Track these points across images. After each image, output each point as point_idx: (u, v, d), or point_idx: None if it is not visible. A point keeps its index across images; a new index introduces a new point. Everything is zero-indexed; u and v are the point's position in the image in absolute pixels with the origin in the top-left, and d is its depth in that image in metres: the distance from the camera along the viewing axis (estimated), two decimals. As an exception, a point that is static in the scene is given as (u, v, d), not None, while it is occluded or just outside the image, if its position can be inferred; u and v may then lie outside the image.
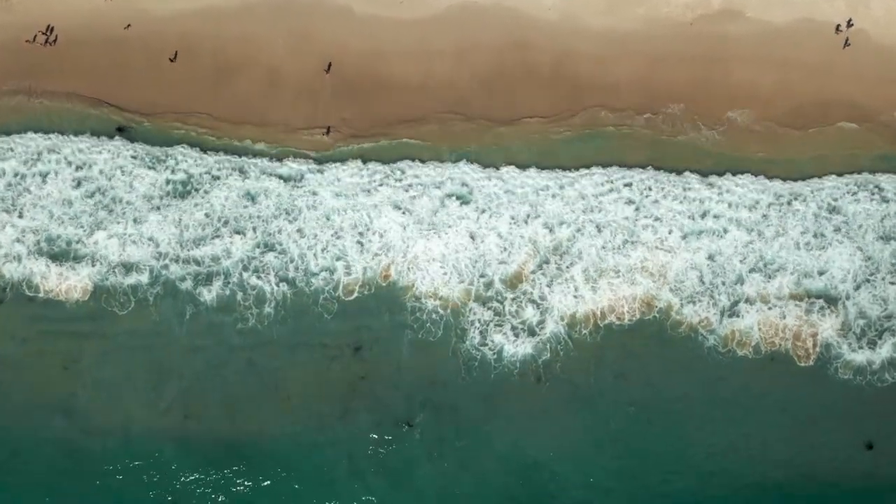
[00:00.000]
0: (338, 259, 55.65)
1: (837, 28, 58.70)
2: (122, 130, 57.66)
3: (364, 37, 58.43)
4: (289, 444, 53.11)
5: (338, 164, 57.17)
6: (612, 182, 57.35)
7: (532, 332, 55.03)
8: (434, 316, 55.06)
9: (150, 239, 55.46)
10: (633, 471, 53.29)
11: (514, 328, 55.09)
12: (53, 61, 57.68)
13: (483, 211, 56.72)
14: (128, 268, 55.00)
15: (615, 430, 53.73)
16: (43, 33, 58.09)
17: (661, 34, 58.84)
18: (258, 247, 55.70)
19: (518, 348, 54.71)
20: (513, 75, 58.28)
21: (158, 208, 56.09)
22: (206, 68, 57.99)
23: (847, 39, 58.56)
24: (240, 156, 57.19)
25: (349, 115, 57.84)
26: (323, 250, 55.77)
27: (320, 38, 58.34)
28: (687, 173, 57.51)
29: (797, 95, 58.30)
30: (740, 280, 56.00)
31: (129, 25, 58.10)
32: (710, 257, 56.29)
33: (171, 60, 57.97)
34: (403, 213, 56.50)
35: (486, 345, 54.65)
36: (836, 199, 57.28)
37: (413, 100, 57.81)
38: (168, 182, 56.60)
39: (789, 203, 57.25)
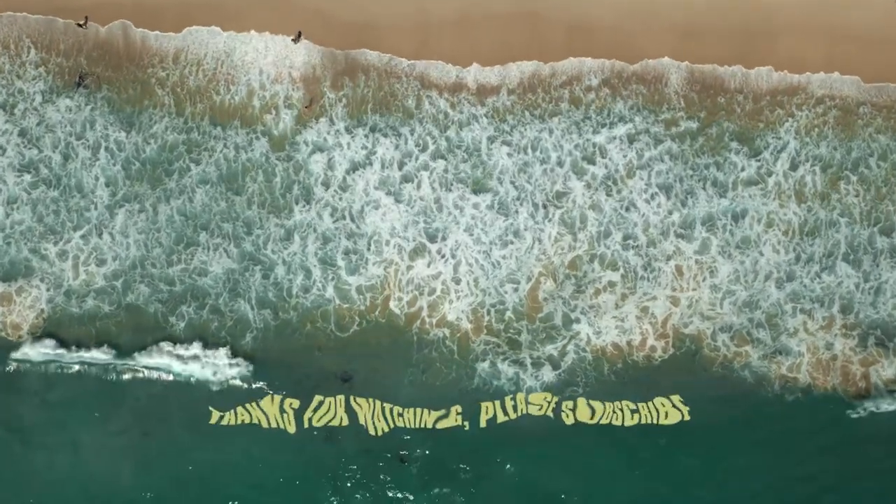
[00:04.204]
0: (327, 264, 49.54)
1: (899, -5, 51.29)
2: (83, 81, 50.91)
3: (353, 6, 51.88)
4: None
5: (325, 136, 51.27)
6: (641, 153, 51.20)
7: (556, 366, 49.48)
8: (444, 349, 49.28)
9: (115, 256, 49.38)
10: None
11: (533, 360, 49.42)
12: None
13: (497, 201, 50.47)
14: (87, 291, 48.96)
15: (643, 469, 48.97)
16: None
17: (693, 2, 51.95)
18: (244, 259, 49.59)
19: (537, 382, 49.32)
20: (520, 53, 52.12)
21: (126, 202, 49.63)
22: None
23: (917, 9, 51.28)
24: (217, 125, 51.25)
25: (336, 97, 51.83)
26: (312, 266, 49.55)
27: (302, 7, 51.76)
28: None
29: (850, 71, 52.05)
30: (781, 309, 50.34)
31: None
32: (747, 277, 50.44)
33: (80, 26, 51.09)
34: (400, 202, 50.30)
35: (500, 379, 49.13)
36: None
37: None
38: (139, 153, 49.98)
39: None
